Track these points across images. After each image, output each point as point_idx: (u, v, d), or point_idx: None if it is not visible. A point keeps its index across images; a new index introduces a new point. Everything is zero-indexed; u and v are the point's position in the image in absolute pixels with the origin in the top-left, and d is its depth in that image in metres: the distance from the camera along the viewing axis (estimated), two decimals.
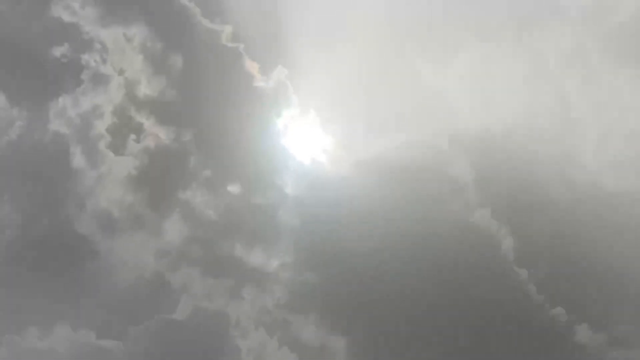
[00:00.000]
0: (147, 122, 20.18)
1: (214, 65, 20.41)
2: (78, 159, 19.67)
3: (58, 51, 19.46)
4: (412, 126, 22.57)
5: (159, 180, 20.03)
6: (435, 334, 18.79)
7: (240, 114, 20.58)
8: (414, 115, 23.46)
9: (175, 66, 20.29)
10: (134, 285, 19.18)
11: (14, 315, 18.48)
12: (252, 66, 21.09)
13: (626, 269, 20.15)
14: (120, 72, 20.33)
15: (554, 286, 19.62)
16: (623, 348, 19.51)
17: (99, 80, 19.83)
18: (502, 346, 18.61)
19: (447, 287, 18.96)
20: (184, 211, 19.54)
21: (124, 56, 20.34)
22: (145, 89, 20.30)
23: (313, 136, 22.18)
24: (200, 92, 20.67)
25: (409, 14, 23.52)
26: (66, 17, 19.48)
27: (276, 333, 19.25)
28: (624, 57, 23.97)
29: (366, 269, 19.26)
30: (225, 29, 21.13)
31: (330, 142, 22.24)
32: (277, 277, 19.59)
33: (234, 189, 19.79)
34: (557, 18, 24.70)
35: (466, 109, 23.72)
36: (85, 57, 19.72)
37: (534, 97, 24.16)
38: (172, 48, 20.21)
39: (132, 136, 20.20)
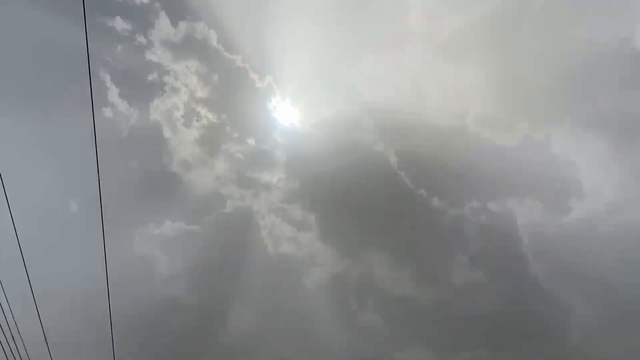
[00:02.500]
0: (202, 110, 38.37)
1: (232, 80, 38.99)
2: (167, 132, 37.46)
3: (152, 76, 37.28)
4: (346, 105, 42.17)
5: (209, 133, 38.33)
6: (361, 208, 38.11)
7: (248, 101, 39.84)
8: (347, 99, 43.17)
9: (212, 84, 38.61)
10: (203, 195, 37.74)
11: (140, 215, 36.27)
12: (253, 75, 39.63)
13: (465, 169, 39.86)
14: (185, 85, 38.36)
15: (419, 179, 39.10)
16: (458, 209, 39.01)
17: (174, 89, 37.69)
18: (391, 213, 38.06)
19: (366, 187, 38.15)
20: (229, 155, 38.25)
21: (186, 77, 38.51)
22: (199, 94, 38.46)
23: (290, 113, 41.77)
24: (228, 94, 39.16)
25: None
26: (155, 59, 37.46)
27: (279, 215, 37.98)
28: None
29: (327, 180, 38.23)
30: (238, 57, 39.61)
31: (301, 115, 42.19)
32: (278, 186, 38.38)
33: (251, 141, 38.70)
34: None
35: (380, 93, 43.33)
36: (166, 77, 37.63)
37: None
38: (209, 73, 38.67)
39: (195, 118, 38.30)
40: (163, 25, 37.12)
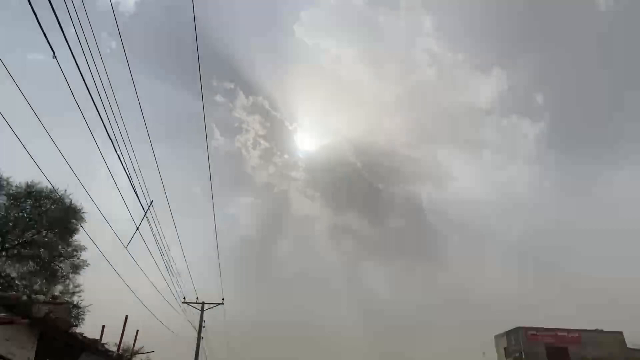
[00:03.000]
0: (261, 141, 40.57)
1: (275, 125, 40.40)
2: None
3: (236, 123, 37.51)
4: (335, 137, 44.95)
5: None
6: (342, 189, 44.15)
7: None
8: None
9: (266, 128, 39.59)
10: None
11: (231, 194, 38.15)
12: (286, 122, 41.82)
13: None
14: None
15: (374, 175, 43.86)
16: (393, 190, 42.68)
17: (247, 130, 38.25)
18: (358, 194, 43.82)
19: (344, 178, 46.04)
20: None
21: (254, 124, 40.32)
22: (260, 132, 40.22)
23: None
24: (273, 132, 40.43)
25: None
26: (237, 114, 40.18)
27: (301, 194, 43.40)
28: None
29: (326, 176, 42.86)
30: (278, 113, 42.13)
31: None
32: (300, 179, 41.84)
33: (286, 156, 41.51)
34: None
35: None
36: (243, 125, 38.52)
37: None
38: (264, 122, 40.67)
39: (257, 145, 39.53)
40: (241, 97, 77.26)
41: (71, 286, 20.26)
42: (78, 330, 19.39)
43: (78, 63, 5.33)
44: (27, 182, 18.86)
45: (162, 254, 14.48)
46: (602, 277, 59.35)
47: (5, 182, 18.71)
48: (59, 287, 20.12)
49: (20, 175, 18.93)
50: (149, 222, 12.47)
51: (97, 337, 19.46)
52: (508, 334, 42.68)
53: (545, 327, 41.04)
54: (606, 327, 41.35)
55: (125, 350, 22.83)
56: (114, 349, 19.78)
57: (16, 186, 18.77)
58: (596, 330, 41.26)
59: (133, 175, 9.05)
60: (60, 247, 19.98)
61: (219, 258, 23.11)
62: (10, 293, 18.57)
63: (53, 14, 4.42)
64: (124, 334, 20.84)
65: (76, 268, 20.34)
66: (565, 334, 40.56)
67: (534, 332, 40.10)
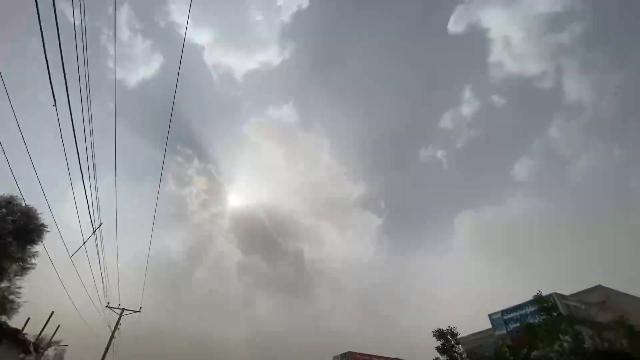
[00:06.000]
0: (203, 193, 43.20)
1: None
2: None
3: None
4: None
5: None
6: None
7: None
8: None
9: (213, 182, 43.13)
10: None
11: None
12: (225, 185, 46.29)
13: None
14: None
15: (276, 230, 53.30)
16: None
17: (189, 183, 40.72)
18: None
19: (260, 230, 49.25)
20: None
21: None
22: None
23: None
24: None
25: None
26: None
27: None
28: None
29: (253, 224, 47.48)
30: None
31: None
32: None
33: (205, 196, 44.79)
34: None
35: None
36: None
37: None
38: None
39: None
40: (195, 162, 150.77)
41: (15, 285, 23.76)
42: (4, 320, 23.33)
43: (72, 112, 13.60)
44: (11, 196, 22.47)
45: (99, 265, 21.20)
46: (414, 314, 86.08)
47: None
48: (3, 284, 23.40)
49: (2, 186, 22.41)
50: (95, 241, 19.29)
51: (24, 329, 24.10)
52: (342, 355, 57.74)
53: (367, 353, 57.59)
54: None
55: (41, 341, 26.71)
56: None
57: None
58: (396, 358, 60.03)
59: (93, 200, 16.64)
60: (14, 250, 23.42)
61: (146, 273, 29.56)
62: None
63: (63, 74, 12.90)
64: (47, 328, 25.67)
65: (24, 269, 23.94)
66: (376, 358, 57.87)
67: (358, 355, 56.03)
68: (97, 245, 18.07)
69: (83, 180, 11.51)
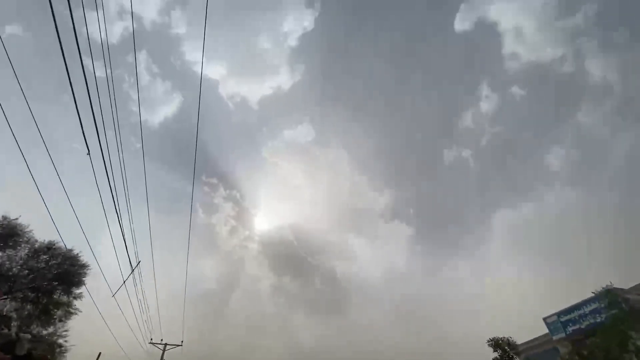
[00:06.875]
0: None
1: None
2: None
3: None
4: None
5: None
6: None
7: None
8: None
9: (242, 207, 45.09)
10: None
11: None
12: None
13: None
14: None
15: (306, 249, 51.85)
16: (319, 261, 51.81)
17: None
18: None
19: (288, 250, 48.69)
20: None
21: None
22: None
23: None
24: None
25: None
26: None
27: None
28: None
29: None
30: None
31: None
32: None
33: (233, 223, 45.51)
34: None
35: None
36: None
37: None
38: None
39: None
40: (221, 190, 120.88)
41: (62, 329, 24.52)
42: None
43: (105, 158, 13.56)
44: (49, 241, 23.55)
45: (140, 305, 21.31)
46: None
47: (29, 238, 23.09)
48: (51, 329, 24.22)
49: (40, 230, 23.58)
50: (134, 279, 19.51)
51: None
52: None
53: None
54: None
55: None
56: None
57: (40, 242, 23.26)
58: None
59: (129, 239, 16.64)
60: (59, 295, 24.32)
61: (184, 305, 29.77)
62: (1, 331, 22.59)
63: (94, 122, 12.85)
64: None
65: (69, 314, 24.73)
66: None
67: None
68: (134, 282, 18.45)
69: (120, 221, 11.77)
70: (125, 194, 12.41)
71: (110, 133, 10.46)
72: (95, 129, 6.61)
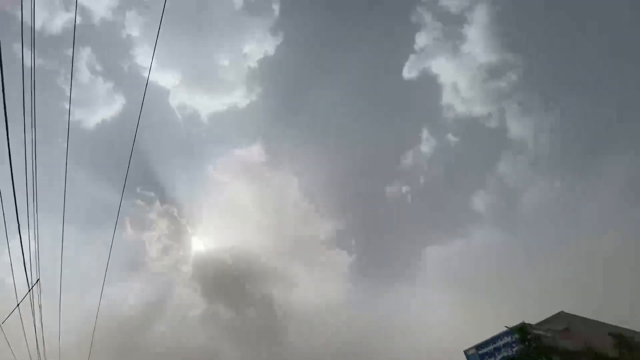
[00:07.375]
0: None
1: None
2: None
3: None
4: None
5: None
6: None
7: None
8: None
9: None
10: None
11: None
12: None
13: None
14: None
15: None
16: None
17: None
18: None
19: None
20: None
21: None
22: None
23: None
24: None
25: None
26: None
27: None
28: None
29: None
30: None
31: None
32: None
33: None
34: None
35: None
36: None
37: None
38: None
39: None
40: (157, 204, 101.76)
41: None
42: None
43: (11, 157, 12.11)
44: None
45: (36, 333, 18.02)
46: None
47: None
48: None
49: None
50: (31, 301, 16.40)
51: None
52: None
53: None
54: None
55: None
56: None
57: None
58: None
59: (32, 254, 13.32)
60: None
61: (94, 334, 25.85)
62: None
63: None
64: None
65: None
66: None
67: None
68: (32, 305, 15.46)
69: (19, 231, 9.98)
70: (34, 200, 10.67)
71: (29, 129, 9.10)
72: (4, 120, 5.64)
